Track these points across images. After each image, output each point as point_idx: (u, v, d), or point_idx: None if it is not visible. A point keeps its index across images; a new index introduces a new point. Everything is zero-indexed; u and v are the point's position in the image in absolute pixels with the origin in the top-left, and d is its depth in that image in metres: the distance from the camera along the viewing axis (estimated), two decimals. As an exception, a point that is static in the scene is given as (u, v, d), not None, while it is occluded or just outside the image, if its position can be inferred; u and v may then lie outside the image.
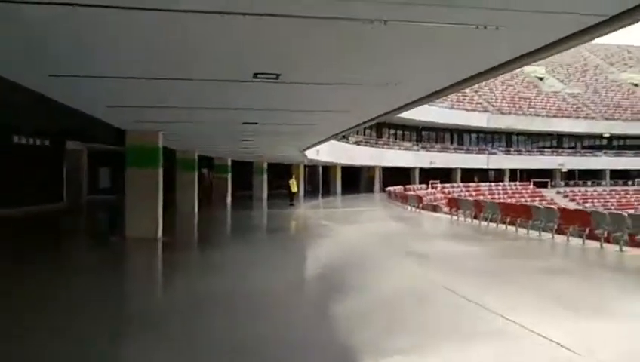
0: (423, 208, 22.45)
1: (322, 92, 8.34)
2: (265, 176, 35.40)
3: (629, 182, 52.86)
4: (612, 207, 42.46)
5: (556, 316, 6.34)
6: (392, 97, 8.81)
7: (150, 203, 14.06)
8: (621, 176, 54.28)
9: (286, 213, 23.68)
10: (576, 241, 12.73)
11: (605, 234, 11.77)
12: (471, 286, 7.96)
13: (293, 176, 29.38)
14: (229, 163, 30.18)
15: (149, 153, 14.22)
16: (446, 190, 41.39)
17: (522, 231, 14.75)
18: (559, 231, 13.60)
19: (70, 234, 15.40)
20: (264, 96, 9.11)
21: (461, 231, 16.03)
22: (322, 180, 49.30)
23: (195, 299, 7.47)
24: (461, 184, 45.65)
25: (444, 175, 47.87)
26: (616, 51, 72.66)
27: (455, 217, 18.98)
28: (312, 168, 46.51)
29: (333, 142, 28.67)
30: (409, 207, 23.34)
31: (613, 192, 49.81)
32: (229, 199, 29.38)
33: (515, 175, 54.89)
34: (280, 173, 41.12)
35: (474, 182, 48.96)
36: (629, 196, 49.05)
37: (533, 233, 14.28)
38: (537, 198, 45.54)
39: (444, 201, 27.32)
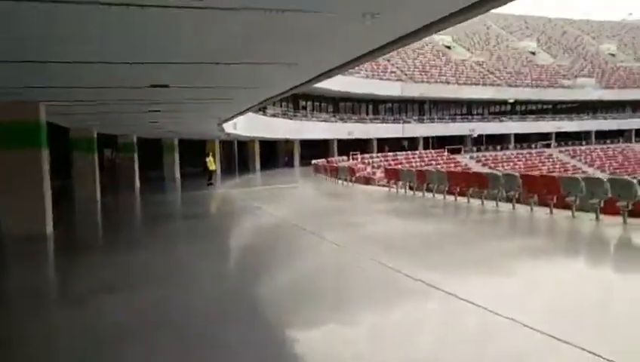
0: (355, 181, 20.45)
1: (264, 26, 5.66)
2: (177, 154, 31.84)
3: (533, 145, 54.73)
4: (520, 170, 43.42)
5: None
6: (368, 33, 6.35)
7: (33, 191, 10.84)
8: (523, 139, 56.11)
9: (206, 194, 20.73)
10: (542, 211, 11.27)
11: (577, 202, 10.34)
12: (453, 279, 6.00)
13: (211, 153, 26.23)
14: (135, 140, 26.41)
15: (27, 130, 10.87)
16: (365, 160, 40.00)
17: (475, 202, 13.16)
18: (519, 201, 12.14)
19: None
20: (177, 37, 6.36)
21: (411, 207, 14.13)
22: (238, 156, 46.25)
23: (87, 331, 4.83)
24: (379, 154, 44.54)
25: (360, 146, 46.55)
26: (514, 20, 74.97)
27: (394, 190, 17.16)
28: (226, 144, 43.29)
29: (250, 114, 26.11)
30: (340, 181, 21.30)
31: (520, 155, 51.22)
32: (137, 182, 25.74)
33: (428, 143, 55.03)
34: (193, 150, 37.51)
35: (384, 151, 48.10)
36: (532, 158, 50.66)
37: (489, 204, 12.73)
38: (452, 164, 45.61)
39: (373, 172, 25.64)
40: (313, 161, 29.50)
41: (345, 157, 38.12)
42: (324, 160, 33.46)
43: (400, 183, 16.99)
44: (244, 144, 43.23)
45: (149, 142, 33.25)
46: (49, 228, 11.00)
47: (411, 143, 54.53)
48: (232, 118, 20.73)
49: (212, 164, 25.11)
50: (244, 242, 10.40)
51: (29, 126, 10.83)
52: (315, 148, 48.22)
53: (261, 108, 32.96)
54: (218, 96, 11.88)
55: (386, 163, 40.92)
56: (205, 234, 11.21)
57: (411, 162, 44.12)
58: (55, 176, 25.20)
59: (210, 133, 28.71)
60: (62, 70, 7.67)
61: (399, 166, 40.14)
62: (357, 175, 20.94)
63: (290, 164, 45.33)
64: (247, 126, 29.76)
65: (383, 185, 19.63)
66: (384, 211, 13.55)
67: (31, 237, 10.33)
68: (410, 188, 16.35)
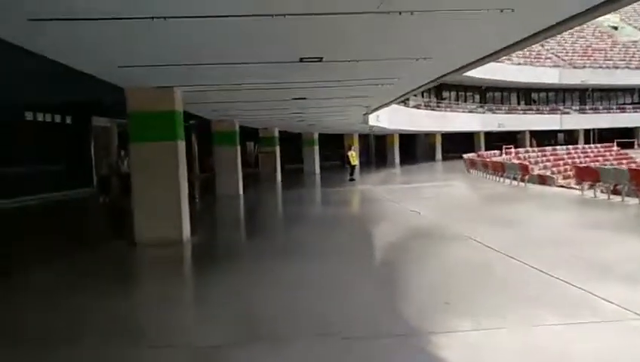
0: (528, 181, 16.54)
1: None
2: (316, 148, 30.20)
3: None
4: None
5: None
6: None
7: (167, 189, 9.22)
8: None
9: (350, 191, 18.41)
10: None
11: None
12: None
13: (353, 147, 23.95)
14: (276, 134, 25.07)
15: (161, 119, 9.25)
16: (520, 155, 34.99)
17: None
18: None
19: (66, 238, 10.54)
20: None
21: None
22: (375, 149, 43.75)
23: None
24: (536, 149, 38.99)
25: (508, 139, 41.19)
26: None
27: (588, 193, 13.18)
28: (363, 137, 41.03)
29: (393, 106, 23.65)
30: (506, 180, 17.56)
31: None
32: (278, 176, 24.39)
33: (588, 136, 47.60)
34: (332, 143, 35.81)
35: (531, 146, 41.93)
36: None
37: None
38: (625, 161, 38.47)
39: (544, 169, 21.28)
40: (465, 156, 25.86)
41: (497, 152, 33.61)
42: (474, 154, 29.60)
43: (600, 185, 12.98)
44: (381, 137, 40.62)
45: (290, 136, 32.12)
46: (186, 232, 9.33)
47: (568, 136, 47.56)
48: (381, 107, 18.16)
49: (354, 158, 22.84)
50: (416, 265, 7.54)
51: (163, 115, 9.20)
52: (457, 142, 43.91)
53: (403, 101, 30.10)
54: (380, 75, 9.29)
55: (544, 158, 35.57)
56: (366, 247, 8.69)
57: (574, 158, 38.03)
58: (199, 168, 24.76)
59: (351, 127, 26.46)
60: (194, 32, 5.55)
61: (561, 161, 34.67)
62: (530, 174, 16.90)
63: (431, 158, 41.74)
64: (390, 118, 27.16)
65: (566, 187, 15.61)
66: (607, 227, 9.67)
67: (167, 244, 8.70)
68: (615, 192, 12.34)
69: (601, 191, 12.84)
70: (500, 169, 17.97)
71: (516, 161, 19.70)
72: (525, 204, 12.92)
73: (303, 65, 7.62)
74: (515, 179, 16.84)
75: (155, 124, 9.16)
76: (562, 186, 16.15)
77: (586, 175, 13.43)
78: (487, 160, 20.79)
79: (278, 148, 24.84)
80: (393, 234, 9.92)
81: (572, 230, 9.21)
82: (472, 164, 22.32)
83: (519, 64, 41.70)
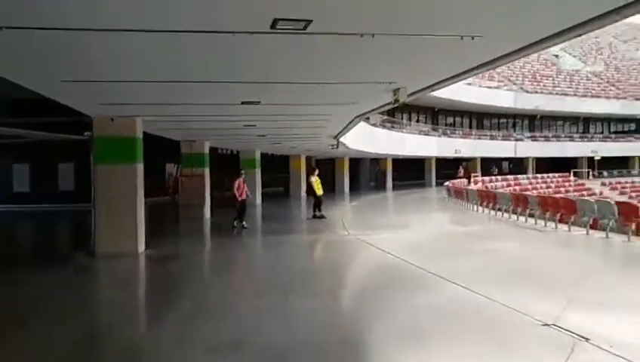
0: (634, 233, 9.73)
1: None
2: (258, 172, 22.53)
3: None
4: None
5: None
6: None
7: None
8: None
9: (341, 249, 10.98)
10: None
11: None
12: None
13: (316, 172, 16.55)
14: (206, 150, 17.22)
15: None
16: (487, 185, 29.40)
17: None
18: None
19: None
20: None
21: None
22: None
23: None
24: (499, 177, 33.71)
25: (454, 166, 35.57)
26: (627, 29, 62.37)
27: None
28: (307, 160, 33.74)
29: (362, 124, 17.53)
30: (571, 228, 10.93)
31: (663, 183, 38.96)
32: (207, 210, 16.47)
33: (536, 164, 43.45)
34: (269, 165, 28.18)
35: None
36: (680, 187, 38.20)
37: None
38: (584, 192, 34.22)
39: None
40: (447, 183, 19.49)
41: (464, 180, 27.68)
42: (454, 181, 23.41)
43: None
44: (325, 161, 33.50)
45: (221, 156, 24.23)
46: None
47: (514, 165, 42.97)
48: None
49: (319, 187, 15.56)
50: None
51: None
52: (403, 168, 37.74)
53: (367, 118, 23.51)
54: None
55: (510, 188, 30.24)
56: None
57: (536, 188, 33.20)
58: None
59: (315, 144, 19.11)
60: None
61: (527, 192, 29.46)
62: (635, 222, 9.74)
63: (381, 186, 35.21)
64: (355, 138, 20.40)
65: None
66: None
67: None
68: None
69: None
70: (564, 209, 11.21)
71: (588, 197, 13.08)
72: None
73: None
74: (602, 228, 10.12)
75: None
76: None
77: None
78: (526, 193, 13.87)
79: (207, 171, 16.98)
80: None
81: None
82: (484, 196, 15.52)
83: (472, 85, 36.46)
